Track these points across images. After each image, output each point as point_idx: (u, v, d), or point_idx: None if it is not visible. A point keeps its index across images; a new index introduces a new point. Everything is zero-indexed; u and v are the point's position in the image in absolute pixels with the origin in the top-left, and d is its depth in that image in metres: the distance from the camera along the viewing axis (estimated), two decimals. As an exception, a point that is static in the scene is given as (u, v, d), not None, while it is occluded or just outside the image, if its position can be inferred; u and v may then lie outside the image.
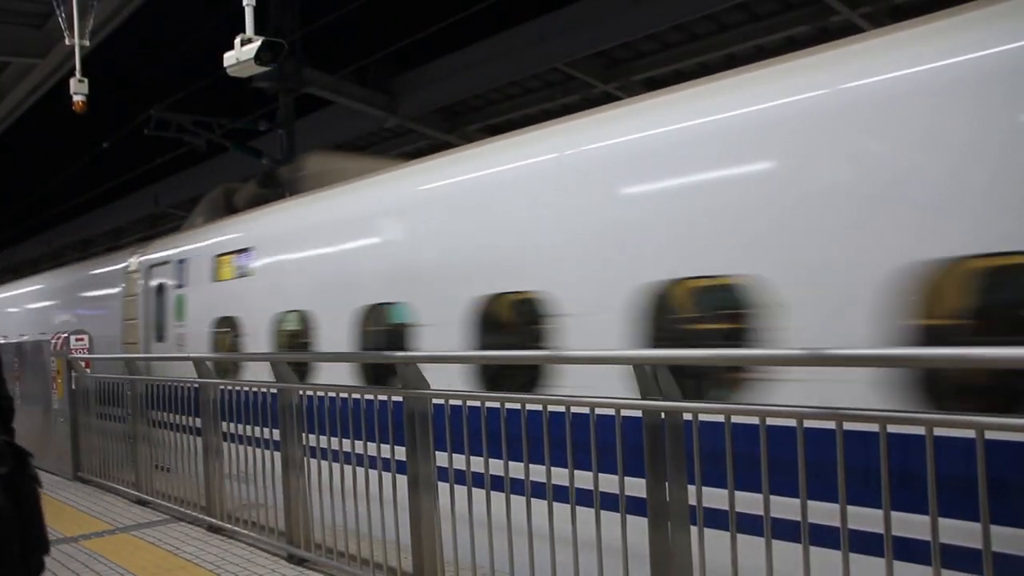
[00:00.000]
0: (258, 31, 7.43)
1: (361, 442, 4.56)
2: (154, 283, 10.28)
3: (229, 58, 7.40)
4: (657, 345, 4.39)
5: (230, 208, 10.14)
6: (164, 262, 10.10)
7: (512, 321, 5.69)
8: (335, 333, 6.75)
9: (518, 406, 3.72)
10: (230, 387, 5.97)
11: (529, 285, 5.29)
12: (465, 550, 4.05)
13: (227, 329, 8.53)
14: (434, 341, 5.79)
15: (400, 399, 4.31)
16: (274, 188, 9.98)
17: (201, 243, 9.49)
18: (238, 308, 8.35)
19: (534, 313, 5.16)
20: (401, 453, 4.28)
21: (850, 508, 2.63)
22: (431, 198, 6.41)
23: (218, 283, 8.79)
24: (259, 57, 7.19)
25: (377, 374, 6.16)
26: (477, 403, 3.96)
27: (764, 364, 3.80)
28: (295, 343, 7.50)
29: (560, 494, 3.47)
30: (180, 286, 9.59)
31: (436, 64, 17.63)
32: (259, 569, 5.08)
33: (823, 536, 2.83)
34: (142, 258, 10.84)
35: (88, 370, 8.70)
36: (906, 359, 3.06)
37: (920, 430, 2.51)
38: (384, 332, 6.54)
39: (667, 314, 4.50)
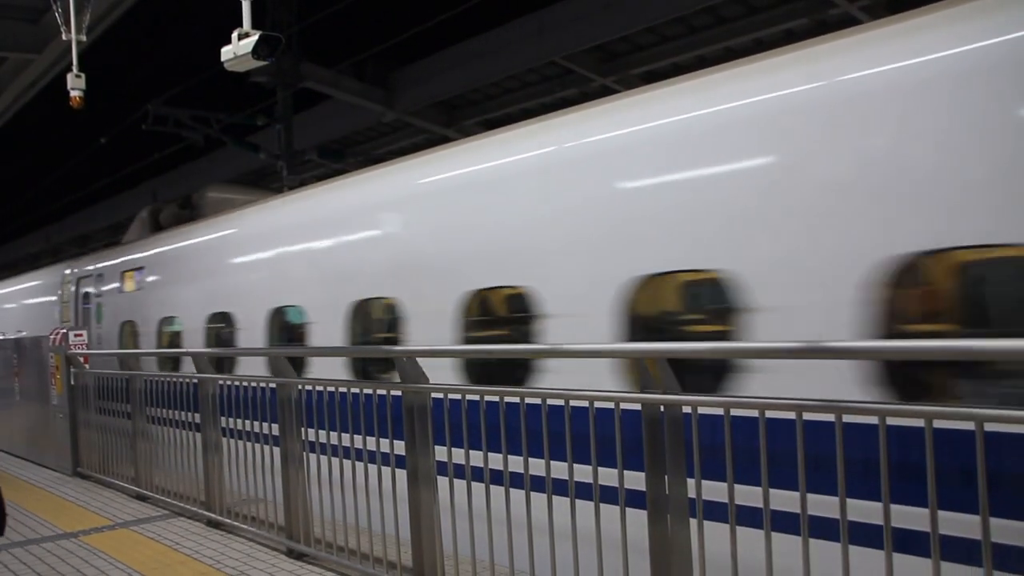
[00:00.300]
0: (255, 25, 7.42)
1: (360, 436, 4.57)
2: (82, 291, 12.50)
3: (226, 53, 7.38)
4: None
5: (156, 226, 11.72)
6: (88, 275, 12.33)
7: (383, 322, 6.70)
8: (195, 336, 8.84)
9: (517, 399, 3.72)
10: (229, 382, 5.97)
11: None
12: (465, 544, 4.05)
13: (128, 331, 10.74)
14: (245, 340, 7.88)
15: (399, 393, 4.31)
16: (189, 210, 11.25)
17: (113, 260, 11.64)
18: (135, 314, 10.56)
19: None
20: (400, 447, 4.28)
21: (850, 501, 2.63)
22: (255, 234, 8.39)
23: (123, 293, 11.01)
24: (256, 52, 7.18)
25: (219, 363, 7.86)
26: (476, 397, 3.96)
27: (762, 357, 3.79)
28: (172, 342, 9.56)
29: (559, 488, 3.48)
30: (99, 295, 11.83)
31: (434, 58, 17.57)
32: (258, 564, 5.08)
33: (823, 528, 2.83)
34: (74, 270, 13.10)
35: (87, 366, 8.74)
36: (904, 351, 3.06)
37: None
38: (220, 334, 8.49)
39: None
